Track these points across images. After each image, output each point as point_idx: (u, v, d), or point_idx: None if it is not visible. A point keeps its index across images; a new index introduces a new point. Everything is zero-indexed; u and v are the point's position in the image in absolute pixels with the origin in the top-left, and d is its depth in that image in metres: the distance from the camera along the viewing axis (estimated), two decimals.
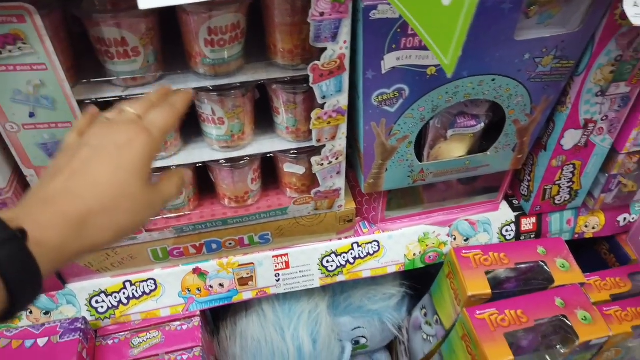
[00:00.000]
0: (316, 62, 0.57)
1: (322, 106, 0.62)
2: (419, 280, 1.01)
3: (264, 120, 0.69)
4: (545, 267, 0.85)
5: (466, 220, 0.88)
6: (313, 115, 0.63)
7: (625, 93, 0.71)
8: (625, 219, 0.93)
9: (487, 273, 0.83)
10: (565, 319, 0.78)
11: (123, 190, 0.42)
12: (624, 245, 0.97)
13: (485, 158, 0.77)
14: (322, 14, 0.53)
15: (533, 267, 0.85)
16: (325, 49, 0.57)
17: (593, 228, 0.93)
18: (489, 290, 0.80)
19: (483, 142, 0.78)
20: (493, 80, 0.65)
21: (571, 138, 0.76)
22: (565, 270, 0.84)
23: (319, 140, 0.66)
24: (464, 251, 0.86)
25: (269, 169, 0.76)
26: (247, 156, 0.67)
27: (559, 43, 0.63)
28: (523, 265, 0.85)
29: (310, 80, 0.59)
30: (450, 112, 0.71)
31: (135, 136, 0.43)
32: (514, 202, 0.91)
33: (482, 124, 0.73)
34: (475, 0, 0.32)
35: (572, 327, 0.77)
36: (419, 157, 0.76)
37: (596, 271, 0.93)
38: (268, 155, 0.71)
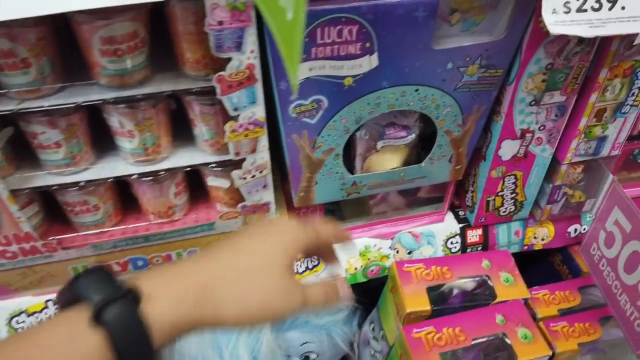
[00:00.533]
0: (221, 73, 0.54)
1: (235, 118, 0.59)
2: (374, 292, 0.98)
3: (185, 132, 0.66)
4: (489, 281, 0.82)
5: (409, 232, 0.85)
6: (227, 128, 0.60)
7: (561, 102, 0.69)
8: (576, 229, 0.91)
9: (430, 288, 0.81)
10: (505, 337, 0.75)
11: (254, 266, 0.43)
12: (576, 257, 0.94)
13: (421, 170, 0.74)
14: (220, 23, 0.51)
15: (476, 282, 0.82)
16: (230, 59, 0.54)
17: (542, 239, 0.90)
18: (428, 307, 0.78)
19: (421, 152, 0.76)
20: (416, 90, 0.62)
21: (509, 148, 0.73)
22: (509, 284, 0.81)
23: (237, 154, 0.63)
24: (405, 265, 0.83)
25: (199, 181, 0.73)
26: (163, 170, 0.64)
27: (483, 51, 0.60)
28: (465, 280, 0.82)
29: (218, 91, 0.56)
30: (378, 122, 0.68)
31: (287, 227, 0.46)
32: (460, 213, 0.89)
33: (414, 135, 0.70)
34: (302, 15, 0.28)
35: (511, 346, 0.74)
36: (351, 169, 0.73)
37: (550, 283, 0.90)
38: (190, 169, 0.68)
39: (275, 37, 0.33)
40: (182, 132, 0.66)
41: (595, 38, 0.62)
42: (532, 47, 0.61)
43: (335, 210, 0.87)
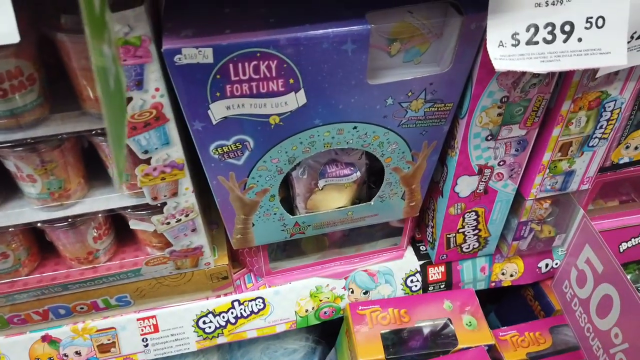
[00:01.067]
0: None
1: (147, 161, 0.53)
2: (337, 327, 0.91)
3: (103, 172, 0.59)
4: (451, 325, 0.75)
5: (364, 270, 0.79)
6: (137, 171, 0.53)
7: (520, 136, 0.62)
8: (547, 264, 0.84)
9: (386, 334, 0.74)
10: None
11: None
12: (548, 293, 0.88)
13: (371, 208, 0.68)
14: None
15: (437, 326, 0.76)
16: (131, 98, 0.47)
17: (511, 275, 0.84)
18: (382, 356, 0.71)
19: (373, 187, 0.69)
20: (354, 128, 0.56)
21: (466, 185, 0.67)
22: (472, 329, 0.75)
23: (154, 198, 0.56)
24: (360, 307, 0.76)
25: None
26: (72, 217, 0.58)
27: (427, 85, 0.54)
28: (425, 324, 0.75)
29: None
30: (317, 160, 0.62)
31: None
32: (421, 248, 0.82)
33: (358, 173, 0.63)
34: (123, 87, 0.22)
35: None
36: (293, 209, 0.66)
37: (521, 319, 0.84)
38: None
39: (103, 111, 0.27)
40: (99, 173, 0.59)
41: (554, 72, 0.55)
42: (484, 80, 0.55)
43: (287, 246, 0.80)
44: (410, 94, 0.54)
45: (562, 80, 0.58)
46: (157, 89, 0.48)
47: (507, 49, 0.48)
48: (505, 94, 0.57)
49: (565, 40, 0.48)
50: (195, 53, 0.45)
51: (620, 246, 0.86)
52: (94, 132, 0.51)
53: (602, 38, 0.48)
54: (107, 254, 0.66)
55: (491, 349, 0.76)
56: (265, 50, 0.46)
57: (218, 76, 0.47)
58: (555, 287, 0.84)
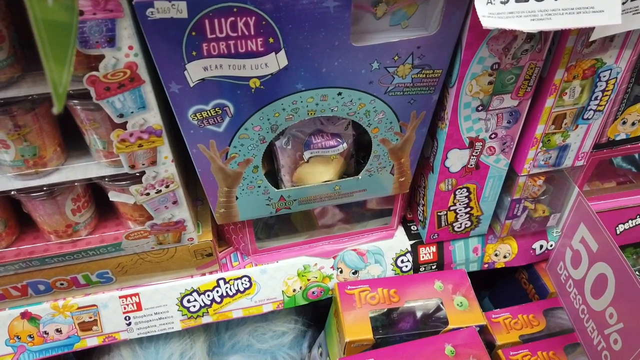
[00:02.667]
0: (93, 73, 0.46)
1: (123, 126, 0.51)
2: (326, 309, 0.89)
3: (81, 140, 0.58)
4: (441, 306, 0.74)
5: (354, 250, 0.77)
6: (113, 137, 0.51)
7: (512, 107, 0.60)
8: (541, 246, 0.82)
9: (375, 314, 0.72)
10: None
11: None
12: (543, 276, 0.86)
13: (358, 182, 0.66)
14: (80, 13, 0.42)
15: (427, 306, 0.74)
16: (103, 56, 0.45)
17: (505, 257, 0.82)
18: (370, 336, 0.69)
19: (362, 162, 0.67)
20: (339, 94, 0.54)
21: (457, 159, 0.65)
22: (463, 309, 0.73)
23: (132, 166, 0.55)
24: (349, 287, 0.75)
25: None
26: (48, 186, 0.56)
27: (414, 49, 0.52)
28: (415, 304, 0.73)
29: (93, 95, 0.47)
30: (302, 130, 0.60)
31: None
32: (412, 227, 0.80)
33: (344, 144, 0.61)
34: None
35: None
36: (278, 182, 0.65)
37: (515, 302, 0.82)
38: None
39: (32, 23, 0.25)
40: (78, 141, 0.57)
41: (548, 33, 0.54)
42: (473, 44, 0.53)
43: (275, 225, 0.78)
44: (396, 57, 0.52)
45: (555, 47, 0.56)
46: (130, 47, 0.46)
47: (495, 6, 0.46)
48: (496, 60, 0.55)
49: None
50: (168, 7, 0.43)
51: (617, 228, 0.84)
52: (73, 92, 0.49)
53: None
54: (87, 228, 0.64)
55: (483, 330, 0.74)
56: (242, 5, 0.44)
57: (193, 33, 0.45)
58: (550, 269, 0.83)
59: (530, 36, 0.53)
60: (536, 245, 0.82)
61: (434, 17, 0.51)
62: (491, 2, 0.45)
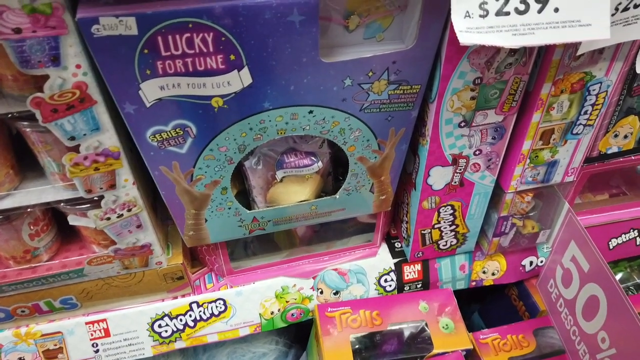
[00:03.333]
0: (38, 94, 0.42)
1: (76, 149, 0.47)
2: (307, 329, 0.85)
3: (36, 163, 0.54)
4: (426, 328, 0.70)
5: (335, 269, 0.73)
6: (65, 160, 0.47)
7: (497, 122, 0.57)
8: (531, 262, 0.79)
9: (356, 338, 0.69)
10: None
11: None
12: (533, 293, 0.82)
13: (336, 202, 0.62)
14: (18, 31, 0.38)
15: (411, 329, 0.70)
16: (48, 76, 0.42)
17: (493, 274, 0.79)
18: None
19: (341, 179, 0.64)
20: (310, 112, 0.50)
21: (440, 177, 0.61)
22: (448, 332, 0.69)
23: (89, 191, 0.51)
24: (329, 309, 0.71)
25: None
26: (2, 210, 0.52)
27: (389, 64, 0.48)
28: (398, 327, 0.70)
29: (39, 118, 0.43)
30: (273, 149, 0.56)
31: None
32: (396, 244, 0.77)
33: (320, 163, 0.58)
34: None
35: None
36: (250, 202, 0.61)
37: (505, 319, 0.78)
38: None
39: None
40: (33, 164, 0.54)
41: (532, 47, 0.50)
42: (453, 58, 0.49)
43: (251, 243, 0.75)
44: (371, 73, 0.48)
45: (541, 60, 0.52)
46: (77, 66, 0.42)
47: (474, 20, 0.42)
48: (478, 75, 0.51)
49: (540, 10, 0.42)
50: (115, 23, 0.39)
51: (610, 242, 0.81)
52: (10, 115, 0.45)
53: (582, 8, 0.42)
54: (48, 252, 0.60)
55: (470, 353, 0.71)
56: (197, 20, 0.40)
57: (146, 51, 0.41)
58: (540, 286, 0.79)
59: (514, 49, 0.50)
60: (526, 262, 0.78)
61: (411, 30, 0.48)
62: (469, 16, 0.42)
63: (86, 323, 0.66)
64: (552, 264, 0.75)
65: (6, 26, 0.38)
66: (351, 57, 0.47)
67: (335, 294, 0.73)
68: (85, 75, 0.43)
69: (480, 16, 0.42)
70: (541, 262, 0.79)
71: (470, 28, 0.42)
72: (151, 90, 0.44)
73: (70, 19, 0.39)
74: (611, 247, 0.82)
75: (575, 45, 0.50)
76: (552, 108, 0.56)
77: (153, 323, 0.68)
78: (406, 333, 0.70)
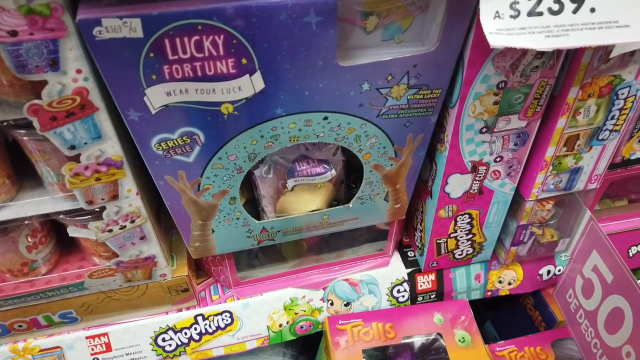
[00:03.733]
0: (36, 101, 0.39)
1: (76, 158, 0.44)
2: (316, 339, 0.82)
3: (35, 172, 0.51)
4: (441, 341, 0.67)
5: (345, 280, 0.70)
6: (65, 171, 0.44)
7: (520, 128, 0.54)
8: (549, 271, 0.76)
9: (368, 351, 0.66)
10: None
11: None
12: (550, 303, 0.79)
13: (349, 211, 0.59)
14: (14, 34, 0.35)
15: (426, 342, 0.68)
16: (46, 82, 0.39)
17: (509, 284, 0.76)
18: None
19: (354, 187, 0.61)
20: (325, 119, 0.47)
21: (458, 184, 0.58)
22: (464, 345, 0.67)
23: (90, 202, 0.48)
24: (340, 321, 0.68)
25: None
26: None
27: (410, 68, 0.45)
28: (412, 340, 0.67)
29: (37, 126, 0.40)
30: (285, 157, 0.53)
31: None
32: (409, 253, 0.74)
33: (333, 171, 0.55)
34: None
35: None
36: (260, 212, 0.58)
37: (521, 330, 0.76)
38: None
39: None
40: (31, 173, 0.51)
41: (561, 50, 0.47)
42: (477, 62, 0.46)
43: (258, 253, 0.72)
44: (390, 78, 0.45)
45: (568, 63, 0.50)
46: (78, 71, 0.39)
47: (504, 21, 0.39)
48: (503, 78, 0.48)
49: (575, 11, 0.39)
50: (119, 25, 0.36)
51: (630, 250, 0.78)
52: (5, 123, 0.42)
53: (620, 8, 0.39)
54: (46, 265, 0.57)
55: None
56: (207, 22, 0.37)
57: (152, 54, 0.38)
58: (558, 296, 0.76)
59: (541, 52, 0.47)
60: (543, 271, 0.76)
61: (432, 31, 0.45)
62: (499, 17, 0.39)
63: (86, 337, 0.63)
64: (572, 273, 0.72)
65: (1, 28, 0.35)
66: (369, 60, 0.44)
67: (346, 305, 0.71)
68: (87, 81, 0.40)
69: (511, 17, 0.39)
70: (559, 271, 0.76)
71: (500, 29, 0.39)
72: (157, 97, 0.41)
73: (70, 20, 0.36)
74: (631, 255, 0.79)
75: (606, 48, 0.47)
76: (578, 113, 0.53)
77: (156, 337, 0.65)
78: (420, 346, 0.67)
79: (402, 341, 0.67)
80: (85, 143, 0.43)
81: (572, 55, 0.49)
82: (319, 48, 0.41)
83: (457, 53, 0.46)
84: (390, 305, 0.72)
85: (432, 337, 0.67)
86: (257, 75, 0.42)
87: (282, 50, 0.41)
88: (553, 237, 0.70)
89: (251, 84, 0.42)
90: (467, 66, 0.46)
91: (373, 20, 0.44)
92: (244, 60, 0.40)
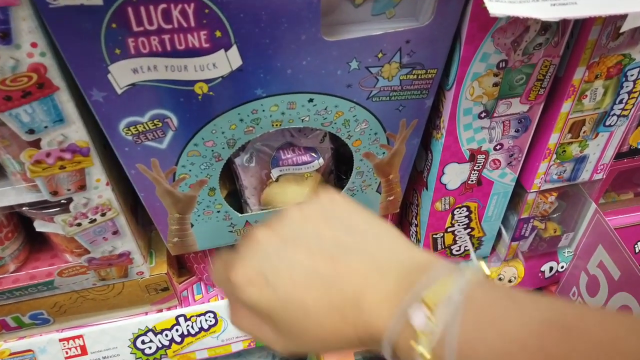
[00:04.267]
0: None
1: (36, 144, 0.40)
2: None
3: None
4: None
5: None
6: (24, 157, 0.40)
7: (522, 113, 0.50)
8: (551, 268, 0.72)
9: (360, 354, 0.62)
10: None
11: None
12: None
13: None
14: None
15: None
16: None
17: (509, 281, 0.72)
18: None
19: (344, 177, 0.57)
20: (310, 101, 0.43)
21: (455, 175, 0.55)
22: None
23: (54, 193, 0.44)
24: None
25: None
26: None
27: (402, 44, 0.41)
28: None
29: None
30: (268, 144, 0.49)
31: None
32: None
33: (320, 160, 0.51)
34: None
35: None
36: (242, 204, 0.54)
37: None
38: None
39: None
40: None
41: (567, 24, 0.43)
42: (475, 38, 0.42)
43: None
44: (380, 55, 0.42)
45: (574, 40, 0.46)
46: (33, 45, 0.35)
47: None
48: (503, 57, 0.44)
49: None
50: None
51: (636, 246, 0.74)
52: None
53: None
54: (14, 262, 0.54)
55: None
56: None
57: (113, 25, 0.34)
58: (561, 293, 0.73)
59: (545, 27, 0.43)
60: (545, 268, 0.72)
61: (426, 5, 0.41)
62: None
63: (60, 340, 0.59)
64: (576, 269, 0.69)
65: None
66: (358, 35, 0.40)
67: None
68: (44, 56, 0.36)
69: None
70: (562, 267, 0.72)
71: None
72: (122, 74, 0.37)
73: None
74: (637, 250, 0.75)
75: (615, 23, 0.44)
76: (584, 96, 0.49)
77: (135, 339, 0.61)
78: None
79: None
80: (46, 127, 0.39)
81: (578, 32, 0.45)
82: (302, 20, 0.37)
83: (454, 28, 0.42)
84: None
85: None
86: (234, 51, 0.38)
87: (260, 22, 0.37)
88: (556, 232, 0.66)
89: (227, 61, 0.38)
90: (464, 43, 0.43)
91: None
92: (218, 33, 0.37)
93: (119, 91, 0.38)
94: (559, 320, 0.25)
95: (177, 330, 0.62)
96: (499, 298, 0.27)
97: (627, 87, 0.50)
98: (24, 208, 0.47)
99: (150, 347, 0.62)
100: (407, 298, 0.28)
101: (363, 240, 0.32)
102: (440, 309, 0.26)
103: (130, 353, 0.62)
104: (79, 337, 0.60)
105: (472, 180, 0.56)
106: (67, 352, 0.60)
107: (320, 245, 0.32)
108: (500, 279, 0.71)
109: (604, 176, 0.60)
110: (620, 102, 0.51)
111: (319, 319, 0.30)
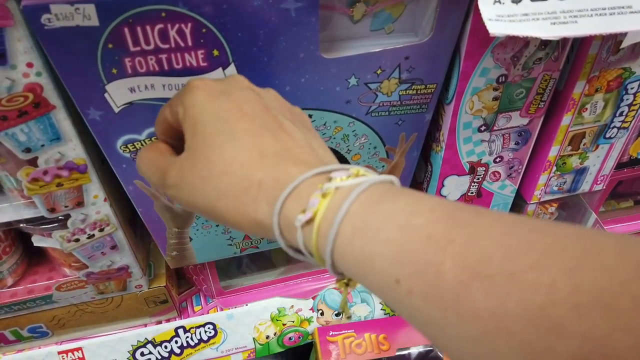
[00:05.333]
0: None
1: (33, 162, 0.40)
2: (307, 348, 0.78)
3: None
4: (438, 353, 0.63)
5: (336, 288, 0.66)
6: (21, 176, 0.40)
7: (522, 126, 0.50)
8: None
9: None
10: None
11: None
12: None
13: None
14: None
15: (421, 354, 0.64)
16: None
17: None
18: None
19: None
20: (310, 116, 0.43)
21: (455, 187, 0.54)
22: None
23: (52, 210, 0.44)
24: (331, 332, 0.64)
25: None
26: None
27: (401, 60, 0.41)
28: (407, 352, 0.63)
29: None
30: None
31: None
32: None
33: None
34: None
35: None
36: None
37: None
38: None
39: None
40: None
41: (567, 39, 0.43)
42: (475, 53, 0.42)
43: (243, 260, 0.68)
44: (379, 71, 0.41)
45: (574, 54, 0.46)
46: (29, 65, 0.35)
47: (505, 6, 0.35)
48: (503, 72, 0.44)
49: None
50: (70, 12, 0.32)
51: None
52: None
53: None
54: (12, 276, 0.53)
55: None
56: (172, 8, 0.33)
57: (110, 45, 0.34)
58: None
59: (545, 42, 0.43)
60: None
61: (426, 20, 0.41)
62: (499, 2, 0.35)
63: (59, 352, 0.59)
64: None
65: None
66: (357, 52, 0.40)
67: (337, 315, 0.67)
68: (39, 76, 0.36)
69: (513, 2, 0.35)
70: None
71: (500, 16, 0.35)
72: (119, 93, 0.37)
73: (17, 7, 0.32)
74: None
75: (616, 37, 0.43)
76: (584, 109, 0.49)
77: (134, 351, 0.61)
78: (416, 359, 0.63)
79: (397, 353, 0.63)
80: (43, 145, 0.39)
81: (578, 46, 0.45)
82: (300, 38, 0.37)
83: (453, 44, 0.42)
84: (385, 314, 0.68)
85: (428, 348, 0.63)
86: (232, 69, 0.38)
87: (258, 41, 0.36)
88: None
89: None
90: (464, 58, 0.42)
91: (360, 8, 0.40)
92: (215, 52, 0.36)
93: (116, 110, 0.38)
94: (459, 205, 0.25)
95: (176, 342, 0.62)
96: (399, 193, 0.26)
97: (627, 99, 0.49)
98: (21, 225, 0.47)
99: (149, 359, 0.62)
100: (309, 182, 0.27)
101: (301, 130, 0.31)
102: (335, 194, 0.26)
103: None
104: (78, 349, 0.59)
105: (472, 192, 0.56)
106: None
107: (267, 115, 0.31)
108: None
109: (604, 187, 0.59)
110: (621, 114, 0.51)
111: (234, 165, 0.28)
